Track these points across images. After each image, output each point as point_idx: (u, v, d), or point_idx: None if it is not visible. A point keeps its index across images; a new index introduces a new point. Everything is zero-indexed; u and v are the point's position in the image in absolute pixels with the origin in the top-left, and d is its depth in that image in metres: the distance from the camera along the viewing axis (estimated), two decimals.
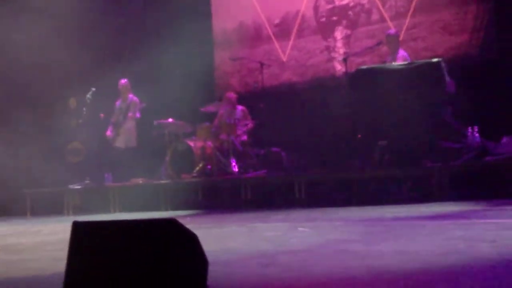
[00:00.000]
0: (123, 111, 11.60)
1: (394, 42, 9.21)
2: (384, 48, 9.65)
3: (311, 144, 10.12)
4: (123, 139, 11.56)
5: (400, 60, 8.93)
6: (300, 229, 5.73)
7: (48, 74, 12.19)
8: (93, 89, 11.68)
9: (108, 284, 2.79)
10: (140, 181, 10.78)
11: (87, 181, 11.55)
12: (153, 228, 2.80)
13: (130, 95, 11.61)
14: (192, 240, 2.81)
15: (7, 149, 11.70)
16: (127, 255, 2.79)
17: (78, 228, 3.00)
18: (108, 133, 11.65)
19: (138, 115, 11.53)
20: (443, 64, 8.25)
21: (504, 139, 7.83)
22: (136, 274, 2.73)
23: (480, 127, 8.15)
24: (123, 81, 11.63)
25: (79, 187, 11.24)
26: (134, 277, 2.73)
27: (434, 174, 7.79)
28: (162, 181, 10.45)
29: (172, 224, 2.75)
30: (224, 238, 5.56)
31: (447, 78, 8.21)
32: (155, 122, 10.92)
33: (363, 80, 8.52)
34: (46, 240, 6.51)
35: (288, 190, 8.86)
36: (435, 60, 8.37)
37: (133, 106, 11.53)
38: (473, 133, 8.11)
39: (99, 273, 2.84)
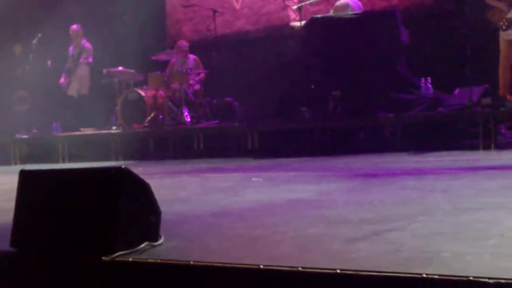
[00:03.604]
0: (75, 57, 11.34)
1: None
2: None
3: (264, 94, 10.05)
4: (75, 86, 11.33)
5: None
6: (254, 179, 5.71)
7: None
8: (39, 35, 11.33)
9: (57, 233, 2.72)
10: (89, 130, 10.60)
11: (34, 131, 11.31)
12: (105, 176, 2.73)
13: (83, 41, 11.33)
14: (144, 189, 2.75)
15: None
16: (77, 204, 2.71)
17: (25, 177, 2.91)
18: (62, 80, 11.39)
19: (90, 59, 11.28)
20: (397, 14, 8.23)
21: (456, 91, 7.91)
22: (87, 223, 2.66)
23: (433, 79, 8.20)
24: (75, 26, 11.31)
25: (26, 136, 11.00)
26: (85, 226, 2.66)
27: (387, 125, 7.84)
28: (113, 131, 10.28)
29: (124, 172, 2.67)
30: (176, 188, 5.50)
31: (401, 29, 8.20)
32: (104, 71, 10.70)
33: (317, 29, 8.44)
34: None
35: (241, 140, 8.82)
36: (389, 9, 8.33)
37: (86, 51, 11.26)
38: (426, 84, 8.16)
39: (48, 222, 2.75)
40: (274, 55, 10.26)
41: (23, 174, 2.91)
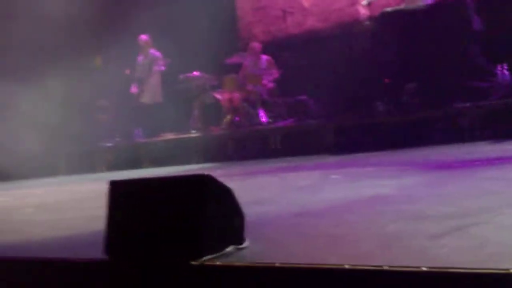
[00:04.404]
0: (146, 66, 11.61)
1: None
2: None
3: (337, 90, 10.03)
4: (149, 95, 11.60)
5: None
6: (333, 176, 5.73)
7: (73, 34, 12.18)
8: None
9: (148, 240, 2.83)
10: (169, 135, 10.84)
11: (117, 139, 11.65)
12: (190, 184, 2.82)
13: (152, 50, 11.60)
14: (227, 194, 2.83)
15: (34, 109, 11.70)
16: (165, 211, 2.82)
17: (115, 187, 3.03)
18: (133, 89, 11.69)
19: (163, 68, 11.54)
20: (468, 2, 8.08)
21: None
22: (175, 229, 2.76)
23: (509, 65, 8.00)
24: (144, 36, 11.62)
25: (110, 144, 11.35)
26: (173, 232, 2.76)
27: (464, 115, 7.70)
28: (192, 135, 10.49)
29: (207, 179, 2.77)
30: (256, 189, 5.58)
31: (474, 16, 8.05)
32: (180, 76, 10.93)
33: (388, 23, 8.38)
34: (81, 198, 6.59)
35: (317, 137, 8.84)
36: None
37: (156, 60, 11.53)
38: (502, 71, 7.98)
39: (139, 230, 2.87)
40: (346, 51, 10.22)
41: (112, 184, 3.03)
